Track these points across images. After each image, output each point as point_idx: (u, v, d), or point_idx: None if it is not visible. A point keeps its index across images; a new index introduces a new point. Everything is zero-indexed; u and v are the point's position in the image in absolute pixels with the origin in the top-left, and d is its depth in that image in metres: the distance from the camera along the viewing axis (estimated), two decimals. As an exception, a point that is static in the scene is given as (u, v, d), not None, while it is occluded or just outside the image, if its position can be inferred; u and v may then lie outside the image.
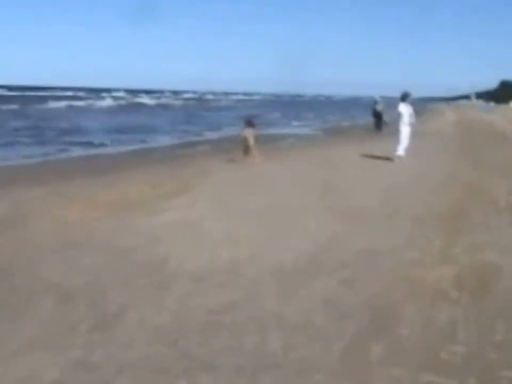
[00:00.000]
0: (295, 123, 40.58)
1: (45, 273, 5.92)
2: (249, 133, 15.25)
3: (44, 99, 64.33)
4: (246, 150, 15.22)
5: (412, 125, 15.94)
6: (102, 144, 21.88)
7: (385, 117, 29.98)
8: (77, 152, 19.36)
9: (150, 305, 5.13)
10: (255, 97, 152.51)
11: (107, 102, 69.87)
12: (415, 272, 6.07)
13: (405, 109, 15.92)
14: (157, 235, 7.31)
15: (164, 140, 24.23)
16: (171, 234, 7.40)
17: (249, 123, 15.59)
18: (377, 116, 30.31)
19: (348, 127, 35.73)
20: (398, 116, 16.06)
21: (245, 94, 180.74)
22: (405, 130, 15.72)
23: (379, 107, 30.29)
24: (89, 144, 21.93)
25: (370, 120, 31.86)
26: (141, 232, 7.44)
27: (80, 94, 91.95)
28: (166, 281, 5.76)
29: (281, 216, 8.43)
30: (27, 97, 68.98)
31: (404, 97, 16.14)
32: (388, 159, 15.76)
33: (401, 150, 15.62)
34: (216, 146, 20.86)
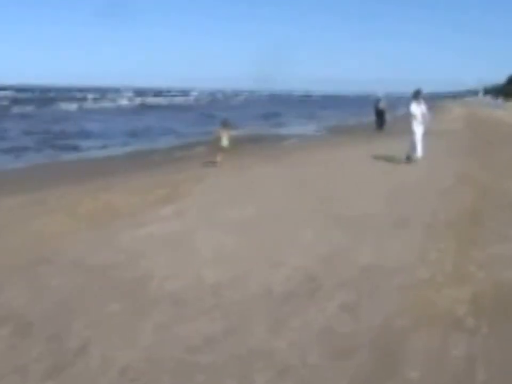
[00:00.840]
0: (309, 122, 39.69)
1: (5, 298, 5.23)
2: (223, 134, 14.64)
3: (53, 101, 63.75)
4: (220, 150, 14.52)
5: (425, 125, 14.95)
6: (100, 147, 21.15)
7: (388, 116, 29.13)
8: (71, 155, 18.60)
9: (120, 338, 4.43)
10: (263, 93, 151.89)
11: (123, 103, 69.16)
12: (425, 295, 5.34)
13: (417, 108, 14.95)
14: (139, 250, 6.61)
15: (164, 141, 23.46)
16: (155, 249, 6.69)
17: (225, 124, 15.01)
18: (380, 114, 29.04)
19: (352, 126, 34.63)
20: (410, 115, 14.96)
21: (241, 91, 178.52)
22: (418, 131, 14.74)
23: (382, 105, 29.02)
24: (88, 147, 21.25)
25: (373, 118, 30.58)
26: (122, 247, 6.73)
27: (91, 95, 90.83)
28: (143, 306, 5.06)
29: (276, 227, 7.70)
30: (38, 99, 67.95)
31: (416, 95, 15.13)
32: (393, 159, 14.99)
33: (420, 152, 14.64)
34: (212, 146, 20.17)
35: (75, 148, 20.71)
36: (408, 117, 14.99)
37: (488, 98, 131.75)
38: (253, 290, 5.38)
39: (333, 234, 7.36)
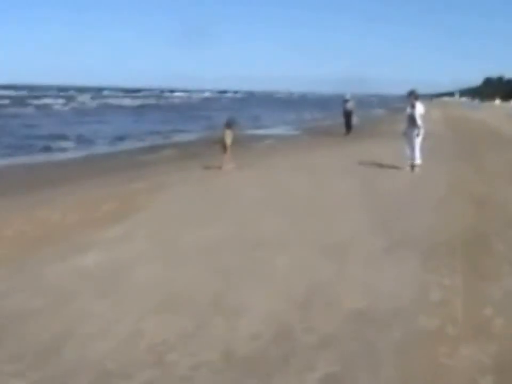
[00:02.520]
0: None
1: None
2: (228, 135, 13.46)
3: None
4: (224, 152, 13.41)
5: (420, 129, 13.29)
6: (56, 150, 19.53)
7: (355, 118, 26.86)
8: (16, 159, 16.81)
9: None
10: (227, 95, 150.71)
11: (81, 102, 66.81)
12: (434, 358, 4.01)
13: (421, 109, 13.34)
14: (65, 292, 5.17)
15: (128, 144, 21.89)
16: (86, 289, 5.25)
17: (228, 124, 13.73)
18: (348, 115, 26.68)
19: (325, 127, 32.79)
20: (411, 117, 13.26)
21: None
22: (422, 134, 13.24)
23: (349, 106, 26.67)
24: (45, 149, 19.64)
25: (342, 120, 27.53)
26: (44, 287, 5.29)
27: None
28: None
29: (243, 256, 6.28)
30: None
31: (418, 96, 13.72)
32: (375, 166, 13.67)
33: (419, 158, 13.22)
34: (184, 150, 18.74)
35: (26, 150, 19.03)
36: (414, 119, 13.21)
37: (465, 100, 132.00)
38: (206, 355, 4.00)
39: (314, 265, 6.00)
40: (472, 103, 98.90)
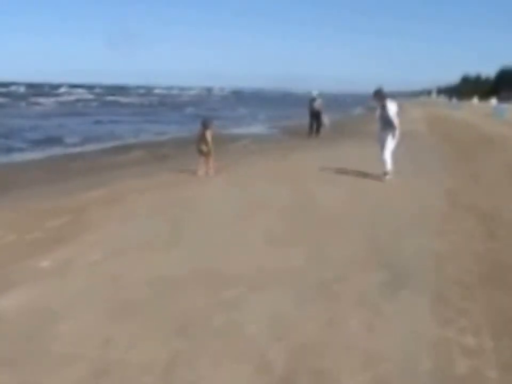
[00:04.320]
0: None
1: None
2: (206, 136, 12.06)
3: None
4: (205, 156, 12.04)
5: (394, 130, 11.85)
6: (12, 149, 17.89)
7: (325, 118, 24.30)
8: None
9: None
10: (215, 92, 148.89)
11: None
12: None
13: (393, 108, 11.88)
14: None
15: (96, 144, 20.29)
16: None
17: (206, 123, 12.27)
18: (315, 115, 24.22)
19: (297, 127, 30.95)
20: (383, 118, 11.80)
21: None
22: (397, 136, 11.82)
23: (317, 105, 24.13)
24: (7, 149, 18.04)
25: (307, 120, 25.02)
26: None
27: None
28: None
29: (206, 302, 4.85)
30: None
31: (387, 94, 12.12)
32: (356, 173, 12.24)
33: (390, 164, 11.76)
34: (153, 151, 17.28)
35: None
36: (389, 119, 11.71)
37: (442, 98, 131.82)
38: None
39: (296, 317, 4.65)
40: (450, 101, 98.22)
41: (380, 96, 11.92)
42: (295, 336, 4.26)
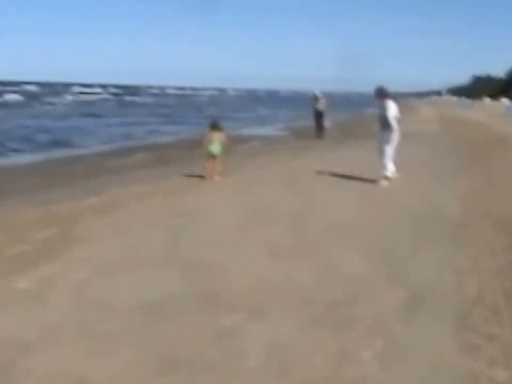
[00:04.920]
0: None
1: None
2: (216, 138, 11.48)
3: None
4: (211, 160, 11.46)
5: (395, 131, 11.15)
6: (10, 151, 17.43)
7: (326, 120, 22.84)
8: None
9: None
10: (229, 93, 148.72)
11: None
12: None
13: (396, 109, 11.28)
14: None
15: (99, 146, 19.80)
16: None
17: (215, 126, 11.70)
18: (318, 116, 22.75)
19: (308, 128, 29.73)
20: (382, 118, 11.13)
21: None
22: (396, 139, 11.12)
23: (320, 105, 22.59)
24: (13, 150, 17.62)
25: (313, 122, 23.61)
26: None
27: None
28: None
29: (199, 332, 4.29)
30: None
31: (388, 93, 11.47)
32: (364, 178, 11.43)
33: (391, 168, 11.17)
34: (158, 154, 16.76)
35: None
36: (387, 120, 11.04)
37: (453, 98, 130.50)
38: None
39: (303, 352, 4.09)
40: (461, 101, 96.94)
41: (380, 95, 11.34)
42: (300, 372, 3.72)
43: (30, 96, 68.92)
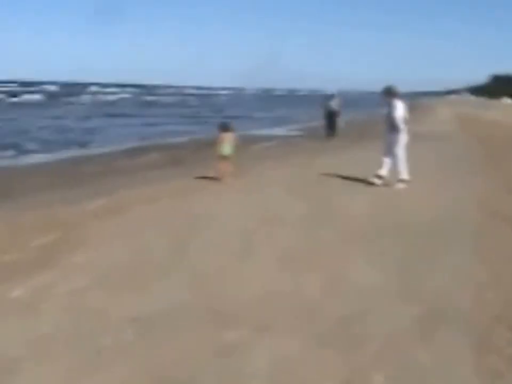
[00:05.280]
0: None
1: None
2: (227, 139, 11.19)
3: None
4: (222, 161, 11.17)
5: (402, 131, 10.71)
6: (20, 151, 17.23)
7: (340, 120, 22.15)
8: None
9: None
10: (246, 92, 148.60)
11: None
12: None
13: (403, 109, 10.78)
14: None
15: (114, 145, 19.57)
16: None
17: (226, 127, 11.40)
18: (331, 116, 21.90)
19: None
20: (391, 118, 10.67)
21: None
22: (404, 140, 10.72)
23: (334, 104, 21.81)
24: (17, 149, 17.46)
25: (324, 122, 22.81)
26: None
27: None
28: None
29: (201, 351, 3.97)
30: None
31: (396, 93, 10.89)
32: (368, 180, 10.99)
33: (405, 172, 10.74)
34: (170, 154, 16.52)
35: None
36: (395, 120, 10.62)
37: (472, 98, 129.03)
38: None
39: (301, 373, 3.79)
40: (480, 101, 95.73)
41: (388, 94, 10.91)
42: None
43: (51, 95, 69.60)
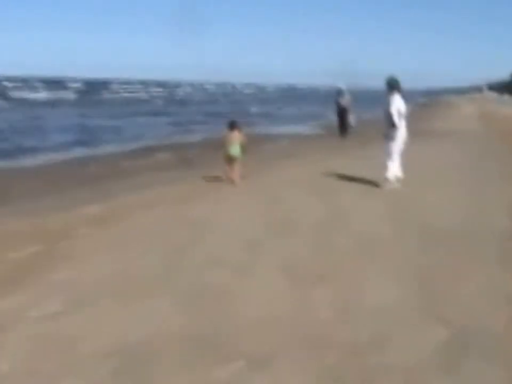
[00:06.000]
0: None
1: None
2: (234, 138, 10.54)
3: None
4: (230, 162, 10.56)
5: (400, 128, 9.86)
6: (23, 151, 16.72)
7: (352, 117, 21.02)
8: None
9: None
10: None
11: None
12: None
13: (403, 105, 9.90)
14: None
15: (121, 145, 19.01)
16: None
17: (234, 125, 10.74)
18: (342, 113, 20.86)
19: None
20: (388, 113, 9.81)
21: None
22: (402, 136, 9.87)
23: (344, 100, 20.66)
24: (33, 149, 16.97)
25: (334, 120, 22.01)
26: None
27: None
28: None
29: None
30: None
31: (399, 86, 10.01)
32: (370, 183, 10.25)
33: (392, 169, 9.94)
34: (180, 153, 15.91)
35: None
36: (389, 117, 9.84)
37: (495, 95, 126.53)
38: None
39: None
40: (502, 98, 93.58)
41: (388, 86, 10.01)
42: None
43: (79, 92, 69.83)
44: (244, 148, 10.58)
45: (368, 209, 8.40)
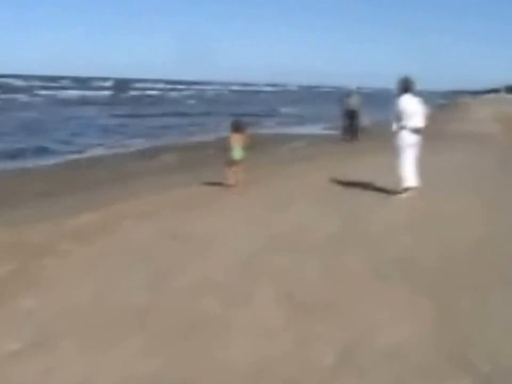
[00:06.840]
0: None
1: None
2: (237, 142, 9.92)
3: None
4: (232, 164, 9.96)
5: (419, 135, 9.22)
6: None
7: (364, 119, 20.26)
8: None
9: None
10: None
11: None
12: None
13: (411, 105, 9.18)
14: None
15: (125, 147, 18.48)
16: None
17: (237, 127, 10.09)
18: (351, 116, 19.92)
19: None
20: (396, 116, 9.23)
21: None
22: (410, 142, 9.18)
23: (353, 102, 19.86)
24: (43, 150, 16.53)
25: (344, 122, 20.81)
26: None
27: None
28: None
29: None
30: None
31: (408, 86, 9.29)
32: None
33: (409, 179, 9.18)
34: (185, 155, 15.32)
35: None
36: (395, 118, 9.27)
37: (510, 97, 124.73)
38: None
39: None
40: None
41: (399, 87, 9.33)
42: None
43: (114, 90, 71.15)
44: (246, 151, 9.92)
45: (384, 223, 7.65)
